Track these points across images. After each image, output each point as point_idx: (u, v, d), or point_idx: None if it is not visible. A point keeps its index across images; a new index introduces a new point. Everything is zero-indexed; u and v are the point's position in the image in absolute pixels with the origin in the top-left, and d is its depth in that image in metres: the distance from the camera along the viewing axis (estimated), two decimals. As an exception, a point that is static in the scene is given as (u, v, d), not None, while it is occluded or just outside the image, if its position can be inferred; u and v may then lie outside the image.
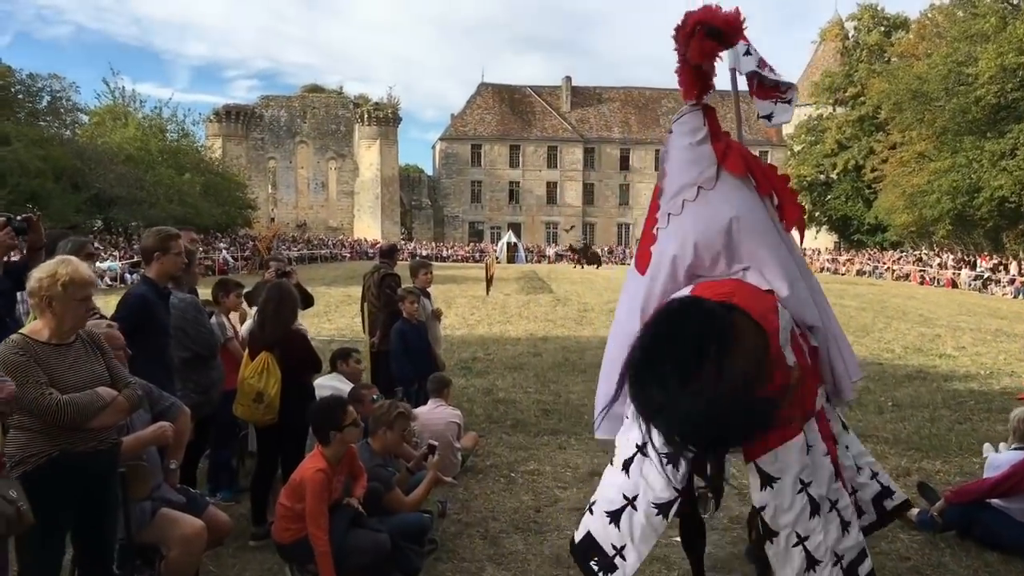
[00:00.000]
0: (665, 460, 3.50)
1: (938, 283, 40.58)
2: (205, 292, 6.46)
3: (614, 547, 3.69)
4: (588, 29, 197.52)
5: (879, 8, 64.67)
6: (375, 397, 5.88)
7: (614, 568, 3.66)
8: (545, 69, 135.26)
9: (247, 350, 5.07)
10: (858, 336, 17.96)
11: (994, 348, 16.64)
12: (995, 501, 5.09)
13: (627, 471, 3.70)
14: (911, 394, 11.23)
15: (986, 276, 37.52)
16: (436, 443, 5.56)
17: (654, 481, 3.57)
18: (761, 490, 3.54)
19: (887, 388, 11.65)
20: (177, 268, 4.75)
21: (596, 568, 3.73)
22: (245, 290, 6.65)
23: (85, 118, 47.80)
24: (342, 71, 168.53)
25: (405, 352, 7.46)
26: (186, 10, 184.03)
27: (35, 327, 3.34)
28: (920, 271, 43.79)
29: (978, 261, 40.77)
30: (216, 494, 5.85)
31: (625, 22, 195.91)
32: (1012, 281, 35.15)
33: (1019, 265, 37.15)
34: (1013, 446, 5.27)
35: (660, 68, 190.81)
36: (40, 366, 3.18)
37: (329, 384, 6.12)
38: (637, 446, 3.64)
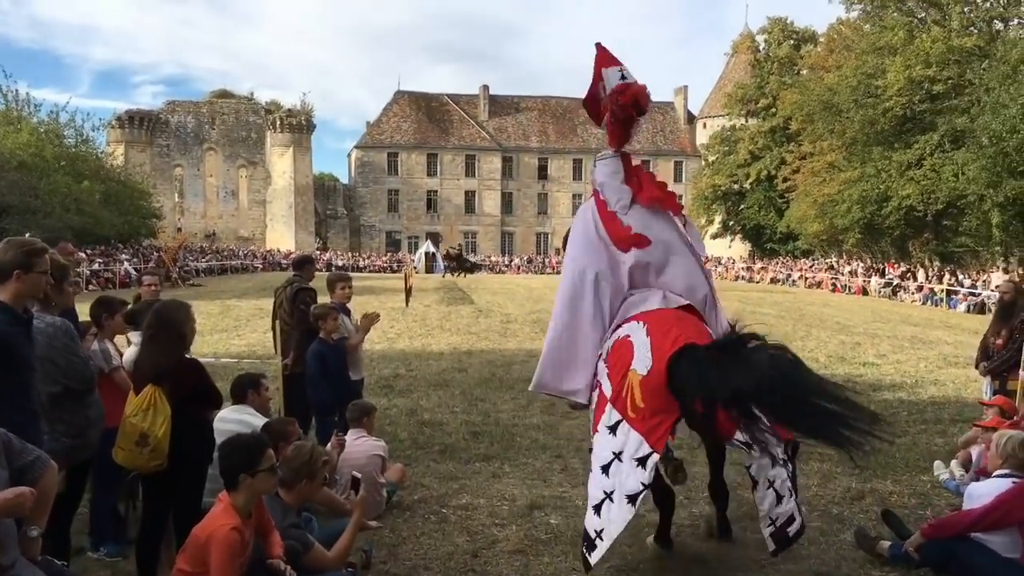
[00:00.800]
0: (636, 463, 4.43)
1: (849, 290, 41.55)
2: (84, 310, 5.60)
3: (595, 531, 4.50)
4: (504, 40, 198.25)
5: (789, 22, 66.51)
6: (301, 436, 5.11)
7: (595, 547, 4.48)
8: (462, 79, 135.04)
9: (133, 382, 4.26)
10: (781, 345, 17.91)
11: (913, 355, 16.78)
12: (976, 534, 4.68)
13: (607, 472, 4.53)
14: (845, 406, 11.01)
15: (895, 283, 38.56)
16: (360, 475, 4.83)
17: (626, 479, 4.43)
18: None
19: (820, 400, 11.42)
20: (39, 289, 3.91)
21: (585, 551, 4.57)
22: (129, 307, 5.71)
23: (-24, 123, 45.05)
24: (255, 79, 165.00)
25: (324, 376, 6.68)
26: (89, 13, 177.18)
27: None
28: (832, 279, 44.82)
29: (886, 269, 41.94)
30: (100, 548, 4.97)
31: (540, 34, 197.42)
32: (920, 288, 36.17)
33: (926, 273, 38.29)
34: (996, 473, 4.88)
35: (576, 79, 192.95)
36: None
37: (234, 418, 5.21)
38: (614, 453, 4.53)
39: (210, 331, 19.23)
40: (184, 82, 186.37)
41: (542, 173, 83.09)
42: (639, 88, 5.31)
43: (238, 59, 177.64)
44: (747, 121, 65.91)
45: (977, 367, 8.68)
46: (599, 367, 4.98)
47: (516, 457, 7.76)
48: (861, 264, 45.51)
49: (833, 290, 42.87)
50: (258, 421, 5.14)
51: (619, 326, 5.03)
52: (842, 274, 44.98)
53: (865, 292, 40.02)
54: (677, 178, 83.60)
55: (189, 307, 4.28)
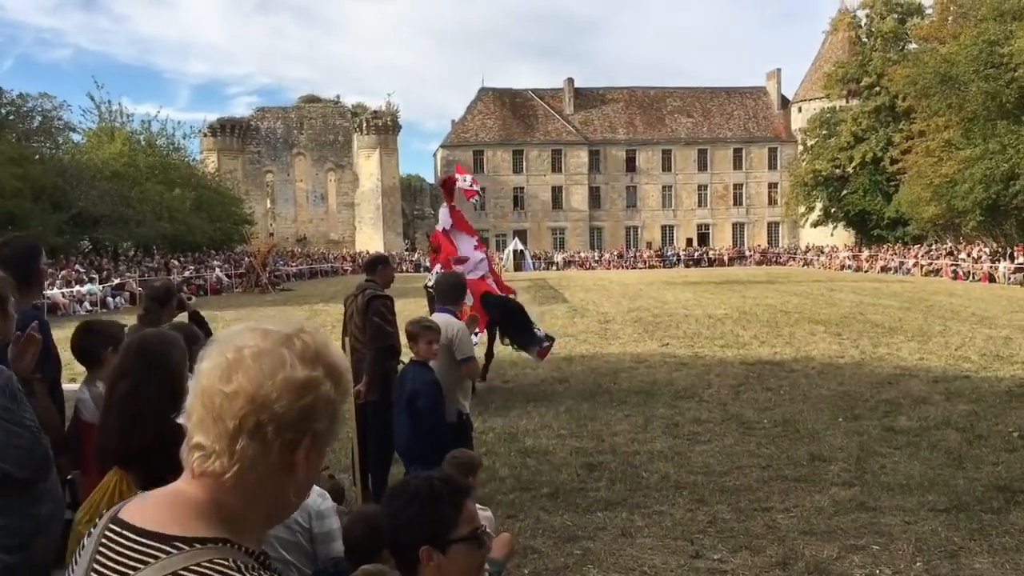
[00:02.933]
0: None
1: (973, 277, 38.23)
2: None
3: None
4: (587, 34, 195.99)
5: (891, -7, 62.39)
6: None
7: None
8: (546, 75, 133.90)
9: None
10: (920, 342, 15.81)
11: (1082, 352, 14.46)
12: None
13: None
14: (1034, 420, 9.02)
15: (1028, 268, 35.16)
16: None
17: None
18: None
19: (997, 412, 9.45)
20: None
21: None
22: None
23: (78, 137, 45.95)
24: (342, 86, 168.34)
25: (435, 415, 5.02)
26: (186, 29, 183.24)
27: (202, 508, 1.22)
28: (952, 265, 41.43)
29: (1015, 253, 38.40)
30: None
31: (623, 26, 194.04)
32: (1058, 274, 32.83)
33: (1063, 256, 34.83)
34: None
35: (662, 71, 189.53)
36: None
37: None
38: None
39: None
40: (275, 92, 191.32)
41: (630, 165, 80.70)
42: (444, 176, 13.40)
43: (325, 67, 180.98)
44: (848, 102, 62.18)
45: None
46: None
47: (646, 503, 6.17)
48: (986, 248, 41.90)
49: (954, 278, 39.57)
50: (311, 493, 3.56)
51: None
52: (964, 260, 41.51)
53: (992, 279, 36.67)
54: (772, 165, 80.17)
55: (196, 337, 2.83)
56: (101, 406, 3.45)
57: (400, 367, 6.10)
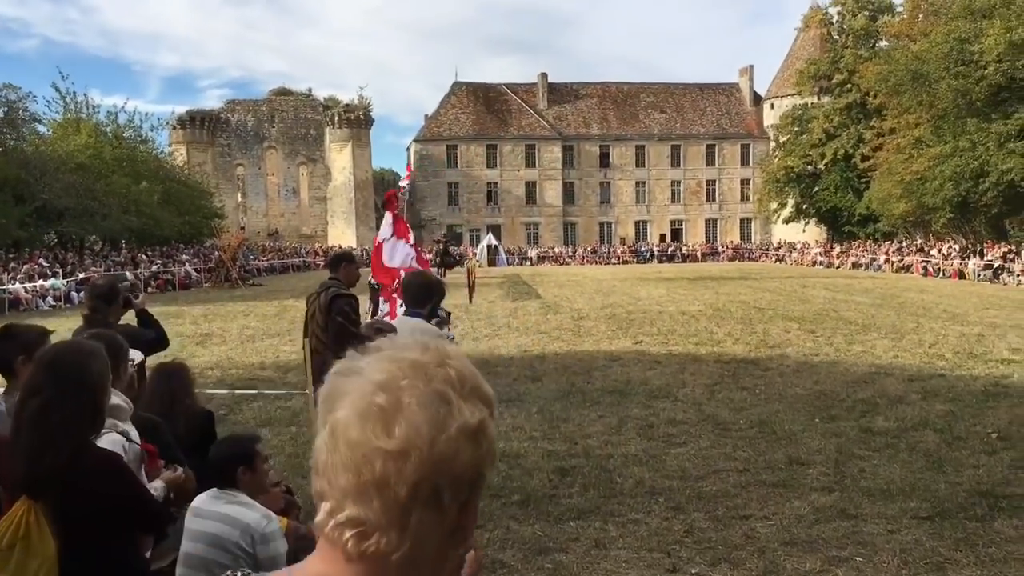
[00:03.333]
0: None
1: (944, 274, 38.50)
2: None
3: None
4: (561, 30, 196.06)
5: (863, -9, 62.71)
6: None
7: None
8: (519, 70, 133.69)
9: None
10: (894, 339, 15.76)
11: (1053, 349, 14.45)
12: None
13: None
14: (1011, 419, 8.92)
15: (996, 265, 35.43)
16: None
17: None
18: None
19: (973, 412, 9.34)
20: None
21: None
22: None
23: (43, 128, 44.88)
24: (316, 79, 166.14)
25: None
26: (155, 20, 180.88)
27: None
28: (923, 262, 41.73)
29: (984, 250, 38.72)
30: None
31: (597, 22, 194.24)
32: (1026, 270, 33.10)
33: (1032, 253, 35.12)
34: None
35: (635, 67, 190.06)
36: None
37: (217, 512, 3.14)
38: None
39: (262, 336, 17.89)
40: (247, 84, 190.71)
41: (604, 161, 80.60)
42: (388, 193, 11.79)
43: (299, 60, 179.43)
44: (820, 99, 62.47)
45: None
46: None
47: (620, 510, 5.94)
48: (956, 245, 42.23)
49: (925, 274, 39.85)
50: (254, 514, 3.19)
51: None
52: (934, 257, 41.81)
53: (962, 276, 36.93)
54: (744, 161, 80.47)
55: (119, 346, 2.53)
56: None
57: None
